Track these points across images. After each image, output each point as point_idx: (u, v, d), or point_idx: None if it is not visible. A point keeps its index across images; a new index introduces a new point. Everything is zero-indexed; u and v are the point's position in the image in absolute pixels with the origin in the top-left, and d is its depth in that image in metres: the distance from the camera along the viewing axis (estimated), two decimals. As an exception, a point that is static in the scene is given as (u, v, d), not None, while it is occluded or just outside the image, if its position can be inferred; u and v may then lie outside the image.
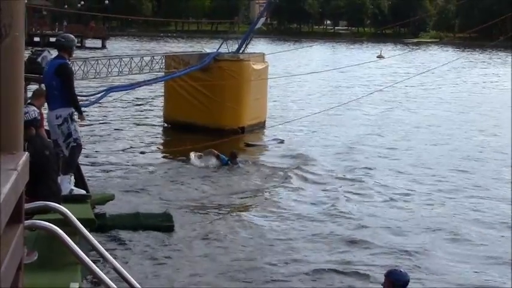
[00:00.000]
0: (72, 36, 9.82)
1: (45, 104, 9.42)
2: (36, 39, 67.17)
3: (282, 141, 20.76)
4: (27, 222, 3.15)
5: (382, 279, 6.53)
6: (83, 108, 10.24)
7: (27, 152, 2.12)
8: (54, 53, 9.58)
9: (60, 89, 9.05)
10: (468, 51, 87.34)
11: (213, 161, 16.95)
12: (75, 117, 9.24)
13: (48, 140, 9.29)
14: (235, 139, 20.20)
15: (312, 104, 30.51)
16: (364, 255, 10.63)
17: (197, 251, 10.46)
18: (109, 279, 3.91)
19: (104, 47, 76.22)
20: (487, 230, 12.37)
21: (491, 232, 12.27)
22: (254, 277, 9.51)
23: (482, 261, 10.70)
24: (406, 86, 34.94)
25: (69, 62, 9.20)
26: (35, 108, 7.71)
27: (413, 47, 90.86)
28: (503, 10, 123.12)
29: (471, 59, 70.39)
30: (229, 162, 17.00)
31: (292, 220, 12.51)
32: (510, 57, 71.84)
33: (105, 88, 18.83)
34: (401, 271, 6.46)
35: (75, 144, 9.12)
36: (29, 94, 9.99)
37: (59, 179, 8.30)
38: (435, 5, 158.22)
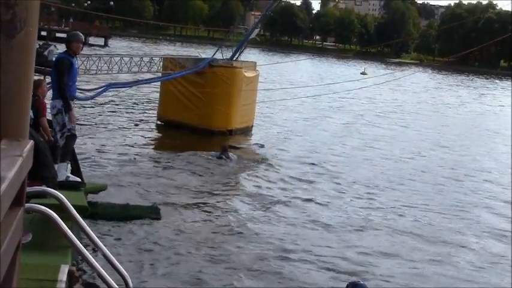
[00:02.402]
0: (75, 32, 9.85)
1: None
2: (43, 33, 66.98)
3: (262, 146, 20.86)
4: (26, 205, 3.14)
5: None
6: (83, 102, 10.21)
7: (32, 141, 2.12)
8: (60, 47, 9.59)
9: (56, 81, 9.15)
10: (445, 74, 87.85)
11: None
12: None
13: (50, 129, 9.34)
14: (221, 139, 20.36)
15: (297, 113, 30.71)
16: (334, 259, 10.62)
17: (182, 242, 10.43)
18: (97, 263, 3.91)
19: (106, 45, 76.14)
20: (452, 239, 12.40)
21: (458, 243, 12.29)
22: (235, 270, 9.50)
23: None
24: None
25: (71, 57, 9.18)
26: None
27: (395, 67, 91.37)
28: (480, 37, 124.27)
29: (442, 81, 70.73)
30: (220, 156, 17.27)
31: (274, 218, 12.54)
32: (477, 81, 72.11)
33: (105, 84, 18.79)
34: (360, 282, 6.31)
35: (69, 134, 9.16)
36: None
37: (56, 166, 8.29)
38: (418, 29, 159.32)
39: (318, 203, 14.22)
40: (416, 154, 22.53)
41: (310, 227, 12.35)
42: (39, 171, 6.67)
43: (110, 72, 19.77)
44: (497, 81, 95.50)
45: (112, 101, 26.65)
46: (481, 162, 22.14)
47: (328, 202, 14.44)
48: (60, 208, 4.16)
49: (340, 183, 16.52)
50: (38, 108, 9.00)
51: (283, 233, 11.63)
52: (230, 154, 17.58)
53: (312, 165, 18.52)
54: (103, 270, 4.07)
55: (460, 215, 14.51)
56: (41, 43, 14.34)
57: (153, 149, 19.34)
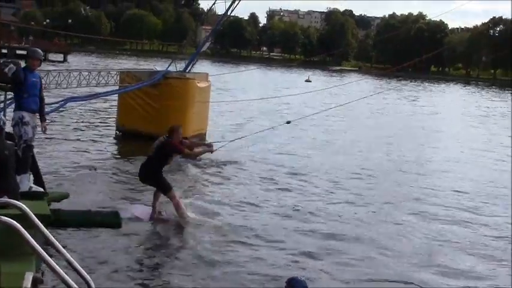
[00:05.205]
0: (33, 49, 9.76)
1: None
2: (4, 51, 65.86)
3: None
4: (-13, 217, 3.07)
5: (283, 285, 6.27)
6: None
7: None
8: (23, 64, 9.42)
9: (13, 94, 9.13)
10: (382, 80, 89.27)
11: None
12: (26, 121, 9.02)
13: (9, 142, 9.11)
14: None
15: (249, 118, 30.86)
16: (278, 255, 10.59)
17: (142, 247, 10.35)
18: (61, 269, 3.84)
19: (65, 60, 75.17)
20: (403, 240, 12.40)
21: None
22: (194, 272, 9.44)
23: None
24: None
25: (28, 71, 9.10)
26: (2, 117, 7.55)
27: (336, 74, 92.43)
28: (411, 45, 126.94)
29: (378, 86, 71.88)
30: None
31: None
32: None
33: (64, 98, 18.47)
34: (300, 278, 6.19)
35: (25, 145, 8.99)
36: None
37: (19, 178, 8.11)
38: (356, 39, 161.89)
39: (286, 197, 14.46)
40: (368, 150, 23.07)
41: (274, 218, 12.43)
42: (1, 183, 6.50)
43: (69, 86, 19.45)
44: (426, 84, 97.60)
45: (72, 114, 26.23)
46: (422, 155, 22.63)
47: (291, 196, 14.65)
48: (23, 217, 4.08)
49: (301, 177, 17.00)
50: (171, 147, 12.03)
51: (240, 229, 11.60)
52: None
53: (273, 164, 18.81)
54: (66, 275, 3.98)
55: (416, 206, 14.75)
56: (1, 61, 14.00)
57: (112, 156, 19.11)
